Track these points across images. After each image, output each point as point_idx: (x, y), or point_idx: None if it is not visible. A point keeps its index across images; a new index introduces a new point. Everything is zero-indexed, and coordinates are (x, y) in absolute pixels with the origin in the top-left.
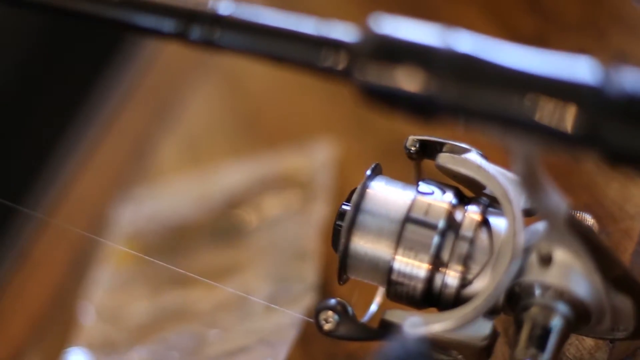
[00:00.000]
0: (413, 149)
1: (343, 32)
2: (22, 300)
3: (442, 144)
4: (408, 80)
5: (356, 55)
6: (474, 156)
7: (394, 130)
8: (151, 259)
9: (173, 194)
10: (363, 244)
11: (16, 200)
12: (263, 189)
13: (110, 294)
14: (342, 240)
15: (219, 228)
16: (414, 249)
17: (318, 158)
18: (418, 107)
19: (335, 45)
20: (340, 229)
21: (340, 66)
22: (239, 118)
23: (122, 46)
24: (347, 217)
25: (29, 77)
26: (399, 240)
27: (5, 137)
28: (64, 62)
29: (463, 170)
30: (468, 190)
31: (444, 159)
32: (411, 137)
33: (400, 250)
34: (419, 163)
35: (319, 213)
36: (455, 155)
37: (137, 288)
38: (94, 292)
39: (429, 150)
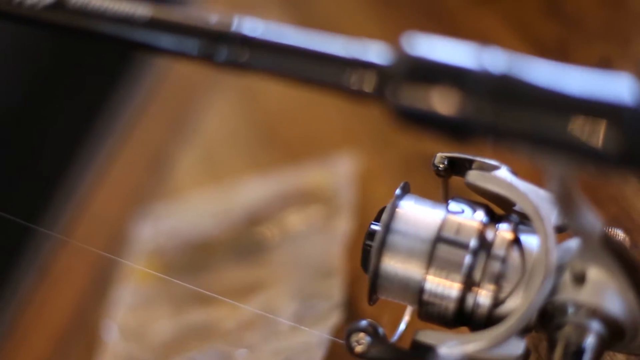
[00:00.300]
0: (441, 166)
1: (375, 53)
2: (43, 319)
3: (471, 161)
4: (443, 103)
5: (389, 77)
6: (504, 173)
7: (415, 144)
8: (172, 279)
9: (193, 210)
10: (394, 265)
11: (33, 217)
12: (285, 204)
13: (132, 312)
14: (373, 261)
15: (241, 244)
16: (446, 268)
17: (340, 172)
18: (453, 129)
19: (367, 67)
20: (370, 249)
21: (373, 88)
22: (257, 130)
23: (135, 58)
24: (378, 238)
25: (41, 92)
26: (430, 260)
27: (19, 154)
28: (76, 75)
29: (493, 188)
30: (498, 207)
31: (474, 176)
32: (439, 155)
33: (431, 270)
34: (447, 180)
35: (343, 229)
36: (485, 173)
37: (160, 306)
38: (116, 310)
39: (457, 167)
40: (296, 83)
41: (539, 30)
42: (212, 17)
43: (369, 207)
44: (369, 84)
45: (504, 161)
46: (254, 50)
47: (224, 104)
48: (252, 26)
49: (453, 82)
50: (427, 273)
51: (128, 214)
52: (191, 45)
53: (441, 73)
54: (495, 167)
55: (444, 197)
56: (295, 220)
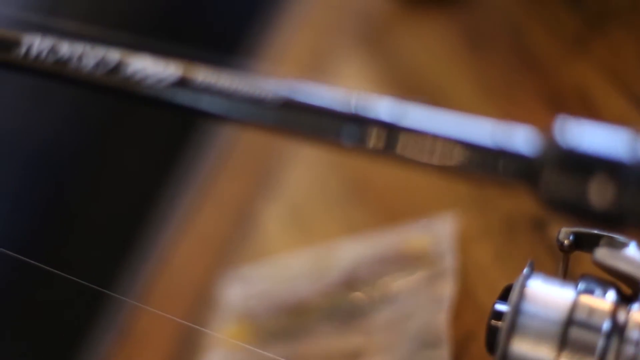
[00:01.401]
0: (566, 242)
1: (523, 140)
2: None
3: (598, 237)
4: (598, 195)
5: (540, 166)
6: (633, 250)
7: (518, 205)
8: (264, 352)
9: (285, 271)
10: (523, 348)
11: (109, 280)
12: (383, 267)
13: None
14: (502, 344)
15: (338, 309)
16: (579, 352)
17: (441, 234)
18: (607, 219)
19: (515, 155)
20: (496, 330)
21: (521, 176)
22: (348, 185)
23: None
24: (507, 319)
25: (113, 143)
26: (562, 343)
27: (92, 211)
28: (149, 124)
29: (625, 267)
30: (627, 286)
31: (603, 254)
32: (564, 230)
33: (563, 354)
34: (568, 255)
35: (447, 294)
36: (615, 251)
37: None
38: None
39: (582, 242)
40: (443, 171)
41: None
42: (347, 100)
43: (470, 271)
44: (517, 172)
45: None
46: (394, 136)
47: (311, 156)
48: (397, 111)
49: (608, 174)
50: (559, 357)
51: (212, 273)
52: (328, 127)
53: (595, 164)
54: (624, 244)
55: (563, 273)
56: (395, 284)
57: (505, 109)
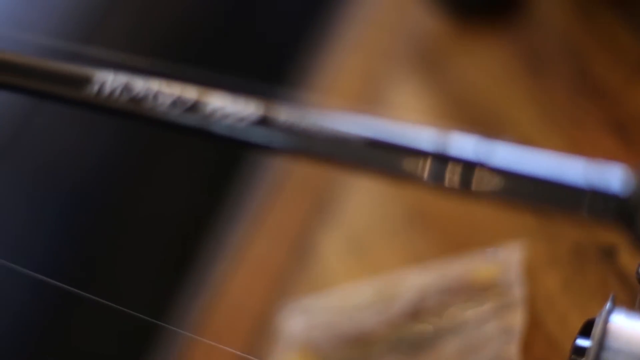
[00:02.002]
0: None
1: (616, 178)
2: None
3: None
4: None
5: (636, 205)
6: None
7: (584, 233)
8: None
9: (347, 301)
10: None
11: (162, 311)
12: (448, 297)
13: None
14: None
15: (403, 340)
16: None
17: (508, 263)
18: None
19: (608, 194)
20: None
21: (613, 215)
22: (409, 213)
23: None
24: (591, 356)
25: (164, 169)
26: None
27: (142, 241)
28: (202, 150)
29: None
30: None
31: None
32: None
33: None
34: None
35: (517, 326)
36: None
37: None
38: None
39: None
40: (527, 208)
41: None
42: (428, 137)
43: (539, 301)
44: (609, 212)
45: None
46: (475, 174)
47: (370, 183)
48: (479, 148)
49: None
50: None
51: (270, 304)
52: (410, 165)
53: None
54: None
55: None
56: (463, 314)
57: (570, 136)
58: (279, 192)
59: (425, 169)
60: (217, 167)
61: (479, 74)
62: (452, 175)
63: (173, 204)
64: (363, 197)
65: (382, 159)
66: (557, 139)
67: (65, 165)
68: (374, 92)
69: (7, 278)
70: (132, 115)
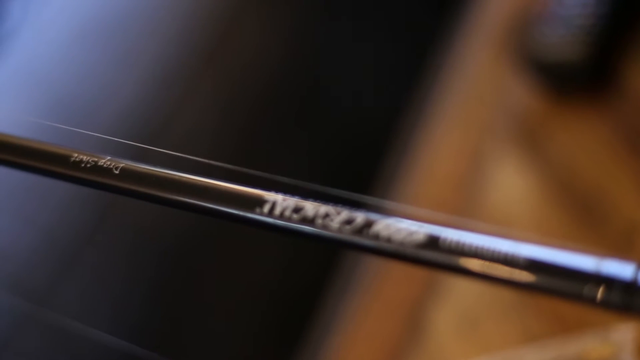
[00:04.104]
0: None
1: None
2: None
3: None
4: None
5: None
6: None
7: None
8: None
9: None
10: None
11: None
12: None
13: None
14: None
15: None
16: None
17: (620, 344)
18: None
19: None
20: None
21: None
22: (520, 293)
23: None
24: None
25: (271, 238)
26: None
27: (250, 311)
28: None
29: None
30: None
31: None
32: None
33: None
34: None
35: None
36: None
37: None
38: None
39: None
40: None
41: None
42: (589, 258)
43: None
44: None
45: None
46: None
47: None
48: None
49: None
50: None
51: None
52: (570, 286)
53: None
54: None
55: None
56: None
57: None
58: (392, 266)
59: (589, 290)
60: None
61: (579, 151)
62: (614, 296)
63: (285, 276)
64: None
65: (545, 279)
66: None
67: (158, 234)
68: (475, 170)
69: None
70: (303, 234)
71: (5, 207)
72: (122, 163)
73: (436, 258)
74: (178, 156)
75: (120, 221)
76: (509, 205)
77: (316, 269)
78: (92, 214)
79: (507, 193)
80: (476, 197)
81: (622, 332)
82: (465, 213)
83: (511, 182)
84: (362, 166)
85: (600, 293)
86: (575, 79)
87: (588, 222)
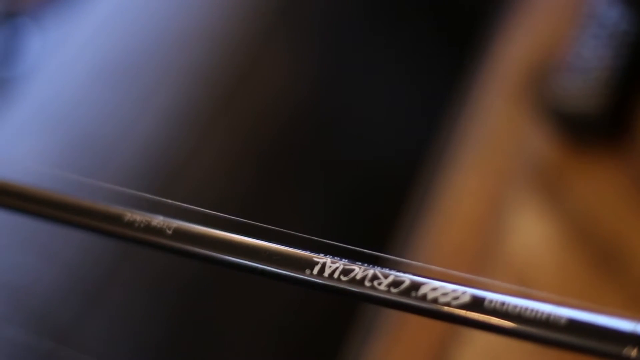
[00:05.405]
0: None
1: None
2: None
3: None
4: None
5: None
6: None
7: None
8: None
9: None
10: None
11: None
12: None
13: None
14: None
15: None
16: None
17: None
18: None
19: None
20: None
21: None
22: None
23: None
24: None
25: None
26: None
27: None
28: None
29: None
30: None
31: None
32: None
33: None
34: None
35: None
36: None
37: None
38: None
39: None
40: None
41: None
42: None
43: None
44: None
45: None
46: None
47: None
48: None
49: None
50: None
51: None
52: (608, 347)
53: None
54: None
55: None
56: None
57: None
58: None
59: (628, 350)
60: None
61: (598, 200)
62: None
63: (301, 311)
64: None
65: (586, 340)
66: None
67: (179, 270)
68: (495, 217)
69: None
70: (351, 294)
71: (30, 245)
72: (175, 224)
73: (482, 319)
74: (211, 214)
75: (143, 257)
76: (528, 251)
77: (336, 309)
78: (115, 252)
79: (526, 240)
80: (496, 244)
81: None
82: (485, 259)
83: (531, 229)
84: (380, 211)
85: (635, 352)
86: (593, 130)
87: (607, 270)
